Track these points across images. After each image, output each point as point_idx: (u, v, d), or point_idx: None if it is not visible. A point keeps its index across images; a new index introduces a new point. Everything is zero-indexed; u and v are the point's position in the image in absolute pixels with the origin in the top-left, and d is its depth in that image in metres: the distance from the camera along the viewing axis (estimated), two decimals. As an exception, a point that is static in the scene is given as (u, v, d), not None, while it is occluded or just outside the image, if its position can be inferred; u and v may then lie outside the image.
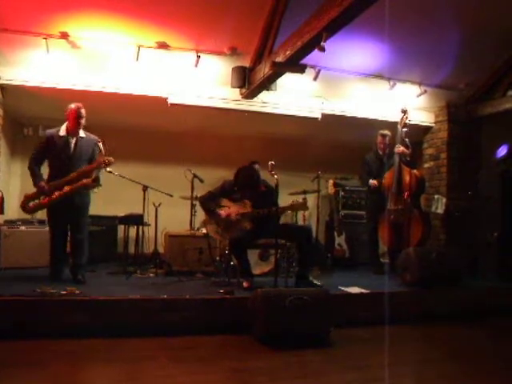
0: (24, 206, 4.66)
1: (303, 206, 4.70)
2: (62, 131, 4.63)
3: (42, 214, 5.93)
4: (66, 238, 4.78)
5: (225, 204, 4.85)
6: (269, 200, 4.63)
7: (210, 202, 4.85)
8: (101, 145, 4.62)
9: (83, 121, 4.62)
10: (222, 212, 4.79)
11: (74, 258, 4.71)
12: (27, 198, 4.64)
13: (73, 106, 4.61)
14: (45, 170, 4.75)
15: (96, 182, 4.65)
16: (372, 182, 5.89)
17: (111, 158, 4.62)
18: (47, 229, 5.44)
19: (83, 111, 4.61)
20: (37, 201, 4.62)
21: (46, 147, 4.62)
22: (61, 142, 4.60)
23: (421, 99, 6.58)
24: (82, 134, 4.68)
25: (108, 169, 4.92)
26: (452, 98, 6.82)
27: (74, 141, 4.64)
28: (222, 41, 5.40)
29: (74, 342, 3.36)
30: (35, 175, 4.57)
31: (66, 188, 4.50)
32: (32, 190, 4.74)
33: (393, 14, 4.34)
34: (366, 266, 6.21)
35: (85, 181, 4.53)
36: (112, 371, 2.96)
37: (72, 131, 4.62)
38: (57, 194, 4.51)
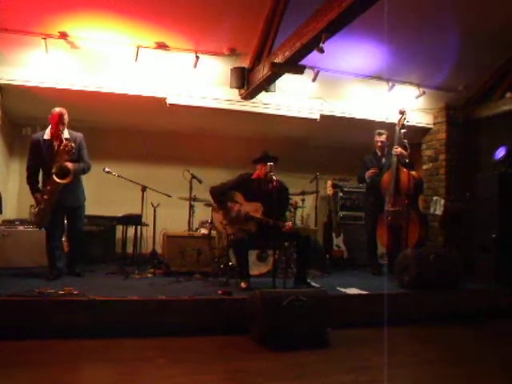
0: (37, 225, 4.81)
1: (312, 232, 4.81)
2: (47, 135, 4.70)
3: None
4: (62, 237, 4.92)
5: (237, 199, 4.85)
6: (279, 200, 4.66)
7: (221, 194, 4.85)
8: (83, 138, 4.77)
9: (65, 126, 4.67)
10: (235, 206, 4.78)
11: (71, 253, 4.94)
12: (35, 216, 4.74)
13: (56, 110, 4.66)
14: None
15: (61, 173, 4.50)
16: (369, 171, 5.86)
17: (71, 144, 4.57)
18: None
19: (66, 116, 4.68)
20: (40, 215, 4.66)
21: (34, 151, 4.69)
22: (45, 145, 4.67)
23: (419, 101, 6.60)
24: (66, 134, 4.70)
25: (107, 169, 5.06)
26: (451, 99, 6.84)
27: (57, 143, 4.67)
28: (221, 41, 5.41)
29: (72, 343, 3.36)
30: (31, 189, 4.70)
31: (48, 187, 4.55)
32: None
33: (392, 15, 4.35)
34: (364, 267, 6.22)
35: (53, 178, 4.50)
36: (110, 371, 2.96)
37: (55, 134, 4.66)
38: (45, 197, 4.57)
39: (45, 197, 4.56)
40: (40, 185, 4.74)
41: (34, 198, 4.68)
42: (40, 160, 4.67)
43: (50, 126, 4.70)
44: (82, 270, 4.98)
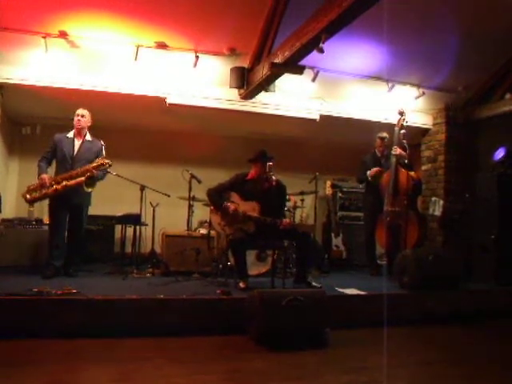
0: (25, 196, 4.89)
1: (309, 228, 4.81)
2: (70, 134, 4.97)
3: (39, 213, 5.95)
4: (64, 236, 4.92)
5: (234, 199, 4.84)
6: (277, 199, 4.62)
7: (218, 196, 4.83)
8: (103, 148, 4.90)
9: (87, 124, 4.95)
10: (231, 206, 4.77)
11: (69, 253, 4.93)
12: (29, 189, 4.87)
13: (79, 110, 4.93)
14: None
15: (89, 182, 4.74)
16: (372, 170, 5.85)
17: (110, 162, 4.86)
18: (44, 228, 5.47)
19: (88, 115, 4.96)
20: (37, 193, 4.83)
21: (54, 148, 4.91)
22: (67, 142, 4.92)
23: (419, 101, 6.61)
24: (88, 137, 5.01)
25: (106, 168, 5.09)
26: (450, 100, 6.84)
27: (79, 143, 4.95)
28: (221, 41, 5.41)
29: (71, 342, 3.35)
30: (40, 169, 4.85)
31: (64, 183, 4.72)
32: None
33: (392, 15, 4.36)
34: (363, 268, 6.22)
35: (79, 179, 4.72)
36: (109, 371, 2.95)
37: (78, 134, 4.95)
38: (56, 187, 4.72)
39: (56, 187, 4.71)
40: (49, 170, 4.93)
41: (39, 179, 4.77)
42: (59, 152, 4.88)
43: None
44: (75, 270, 4.96)
